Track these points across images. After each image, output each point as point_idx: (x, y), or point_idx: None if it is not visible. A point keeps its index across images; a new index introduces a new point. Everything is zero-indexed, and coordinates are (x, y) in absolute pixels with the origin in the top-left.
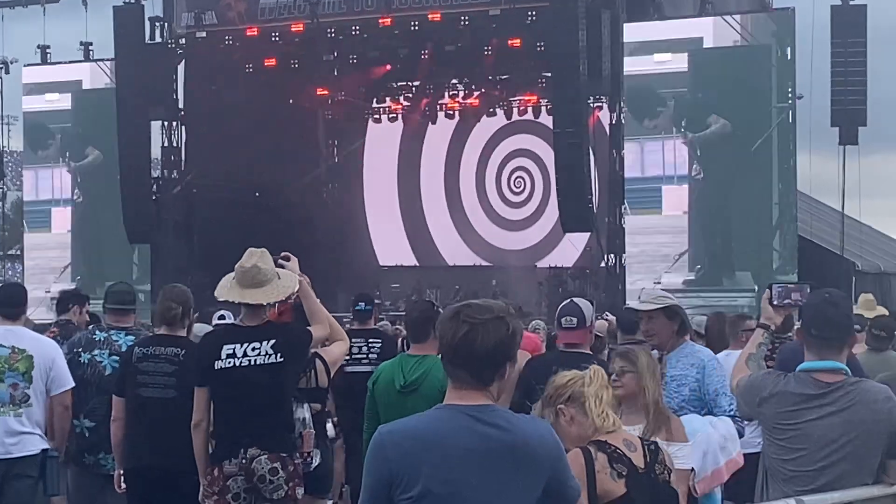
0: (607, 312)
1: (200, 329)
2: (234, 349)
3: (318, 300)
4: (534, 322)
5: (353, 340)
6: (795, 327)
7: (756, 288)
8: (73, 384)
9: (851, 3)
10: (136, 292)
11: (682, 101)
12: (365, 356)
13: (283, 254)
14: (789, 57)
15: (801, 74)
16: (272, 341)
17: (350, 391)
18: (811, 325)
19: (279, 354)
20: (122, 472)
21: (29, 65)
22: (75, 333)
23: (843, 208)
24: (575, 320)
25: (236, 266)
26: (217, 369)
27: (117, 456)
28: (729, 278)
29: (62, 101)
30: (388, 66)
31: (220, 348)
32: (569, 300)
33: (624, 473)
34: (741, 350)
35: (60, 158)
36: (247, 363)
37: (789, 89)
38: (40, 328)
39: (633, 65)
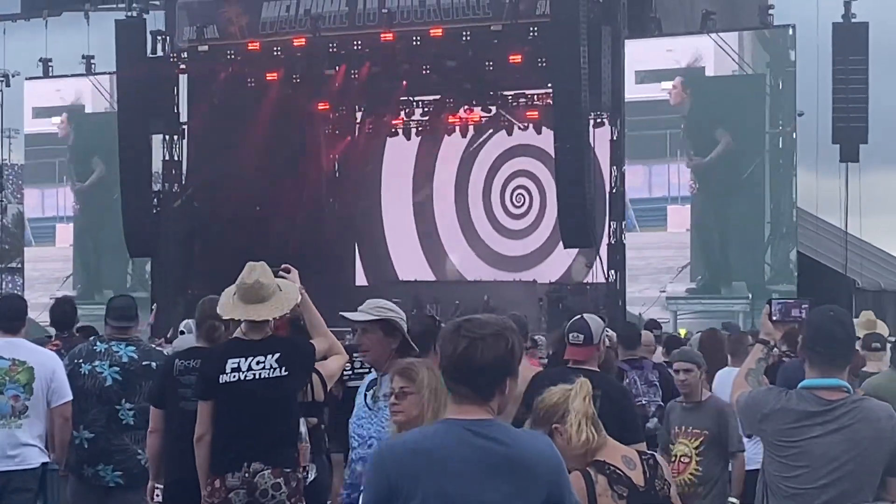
0: (608, 329)
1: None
2: (238, 363)
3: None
4: (536, 337)
5: (355, 355)
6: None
7: (750, 296)
8: (71, 396)
9: (853, 20)
10: (137, 305)
11: (685, 126)
12: (367, 370)
13: (283, 266)
14: (781, 87)
15: (802, 91)
16: (277, 354)
17: (351, 405)
18: (817, 342)
19: (284, 368)
20: (156, 485)
21: (31, 78)
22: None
23: (845, 226)
24: (581, 337)
25: (238, 282)
26: (222, 383)
27: (153, 468)
28: (726, 287)
29: (66, 123)
30: (390, 81)
31: (224, 362)
32: (578, 316)
33: (625, 495)
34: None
35: (65, 177)
36: (252, 377)
37: (780, 119)
38: (41, 341)
39: (641, 91)
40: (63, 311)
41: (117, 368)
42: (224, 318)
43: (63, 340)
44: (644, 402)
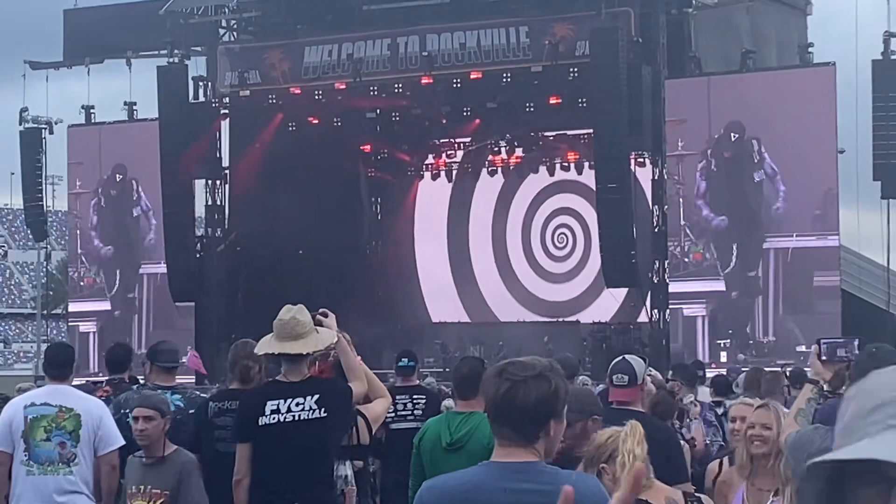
0: (650, 368)
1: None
2: (277, 405)
3: (360, 357)
4: (581, 378)
5: (398, 397)
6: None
7: None
8: (122, 443)
9: (893, 57)
10: (180, 350)
11: None
12: (410, 413)
13: (321, 310)
14: None
15: (843, 129)
16: (315, 396)
17: (395, 448)
18: (856, 380)
19: (323, 409)
20: None
21: (73, 125)
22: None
23: (888, 262)
24: (626, 378)
25: (275, 321)
26: (261, 425)
27: None
28: None
29: None
30: (430, 124)
31: (264, 404)
32: (621, 357)
33: None
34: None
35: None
36: (291, 419)
37: None
38: (89, 388)
39: None
40: (116, 355)
41: None
42: (259, 353)
43: (113, 386)
44: (707, 441)
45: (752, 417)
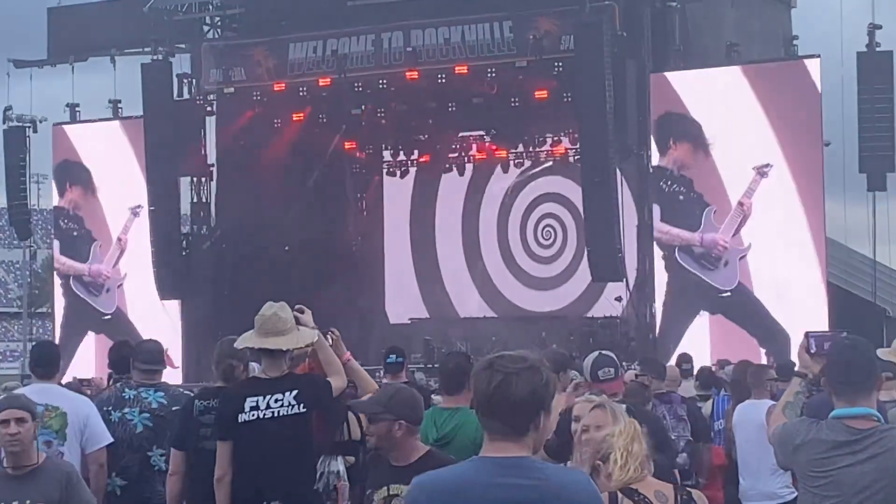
0: (637, 363)
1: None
2: (257, 401)
3: (349, 353)
4: (571, 373)
5: None
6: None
7: None
8: (109, 440)
9: (877, 49)
10: (164, 349)
11: None
12: None
13: (297, 306)
14: None
15: (828, 121)
16: (294, 392)
17: None
18: (836, 373)
19: (302, 405)
20: None
21: (58, 123)
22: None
23: (874, 255)
24: (612, 371)
25: (256, 317)
26: (241, 422)
27: None
28: None
29: None
30: (416, 120)
31: (243, 401)
32: (598, 353)
33: None
34: (764, 400)
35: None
36: (270, 415)
37: None
38: (78, 385)
39: None
40: (121, 353)
41: (147, 415)
42: (239, 347)
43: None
44: (673, 436)
45: (585, 419)
